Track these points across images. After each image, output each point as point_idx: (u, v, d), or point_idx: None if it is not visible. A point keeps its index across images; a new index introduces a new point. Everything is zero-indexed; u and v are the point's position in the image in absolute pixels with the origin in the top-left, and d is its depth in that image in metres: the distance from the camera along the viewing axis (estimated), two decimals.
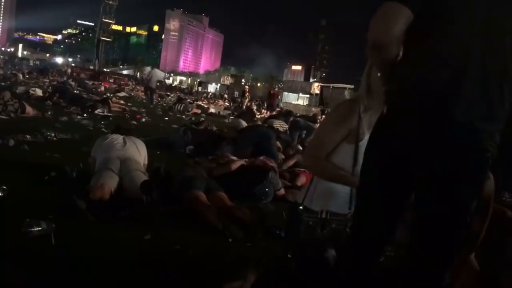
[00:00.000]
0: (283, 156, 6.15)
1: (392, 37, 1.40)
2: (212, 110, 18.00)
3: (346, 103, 1.96)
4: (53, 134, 6.17)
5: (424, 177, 1.48)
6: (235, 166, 4.47)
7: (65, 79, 25.52)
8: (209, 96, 36.18)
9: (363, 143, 1.86)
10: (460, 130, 1.38)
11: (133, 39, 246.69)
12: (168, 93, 30.07)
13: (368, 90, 1.91)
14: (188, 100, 19.58)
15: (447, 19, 1.41)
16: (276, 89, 24.75)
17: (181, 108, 15.04)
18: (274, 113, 16.78)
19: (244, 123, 7.52)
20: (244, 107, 20.32)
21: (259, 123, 10.23)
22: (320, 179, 2.01)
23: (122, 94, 19.97)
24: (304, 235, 1.94)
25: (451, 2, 1.42)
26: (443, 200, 1.47)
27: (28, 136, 5.63)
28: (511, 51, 1.41)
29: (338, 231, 1.89)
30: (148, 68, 20.57)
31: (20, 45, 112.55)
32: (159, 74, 19.56)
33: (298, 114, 15.35)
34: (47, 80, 24.32)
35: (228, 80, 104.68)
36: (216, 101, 27.64)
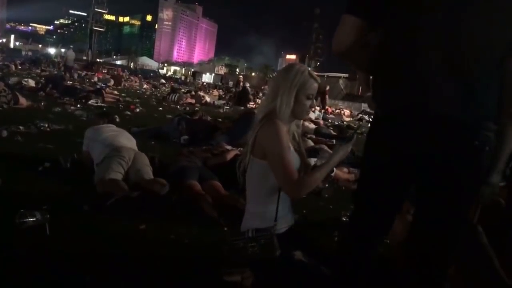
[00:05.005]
0: None
1: (347, 47, 1.51)
2: (206, 99, 17.94)
3: (274, 125, 2.00)
4: (46, 125, 6.13)
5: (420, 174, 1.51)
6: (229, 156, 4.46)
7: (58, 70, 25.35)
8: (203, 84, 36.02)
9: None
10: (448, 126, 1.40)
11: (126, 29, 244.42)
12: (163, 81, 29.91)
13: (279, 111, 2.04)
14: (182, 90, 19.48)
15: (417, 20, 1.42)
16: (328, 88, 21.75)
17: (175, 98, 14.98)
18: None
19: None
20: None
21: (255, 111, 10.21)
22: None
23: (111, 82, 19.82)
24: (235, 257, 2.05)
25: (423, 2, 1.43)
26: (439, 196, 1.51)
27: (21, 127, 5.60)
28: (488, 47, 1.41)
29: (267, 244, 1.99)
30: (68, 51, 23.02)
31: (12, 36, 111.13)
32: (73, 53, 23.29)
33: None
34: (39, 71, 24.11)
35: (222, 70, 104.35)
36: (211, 91, 27.53)
